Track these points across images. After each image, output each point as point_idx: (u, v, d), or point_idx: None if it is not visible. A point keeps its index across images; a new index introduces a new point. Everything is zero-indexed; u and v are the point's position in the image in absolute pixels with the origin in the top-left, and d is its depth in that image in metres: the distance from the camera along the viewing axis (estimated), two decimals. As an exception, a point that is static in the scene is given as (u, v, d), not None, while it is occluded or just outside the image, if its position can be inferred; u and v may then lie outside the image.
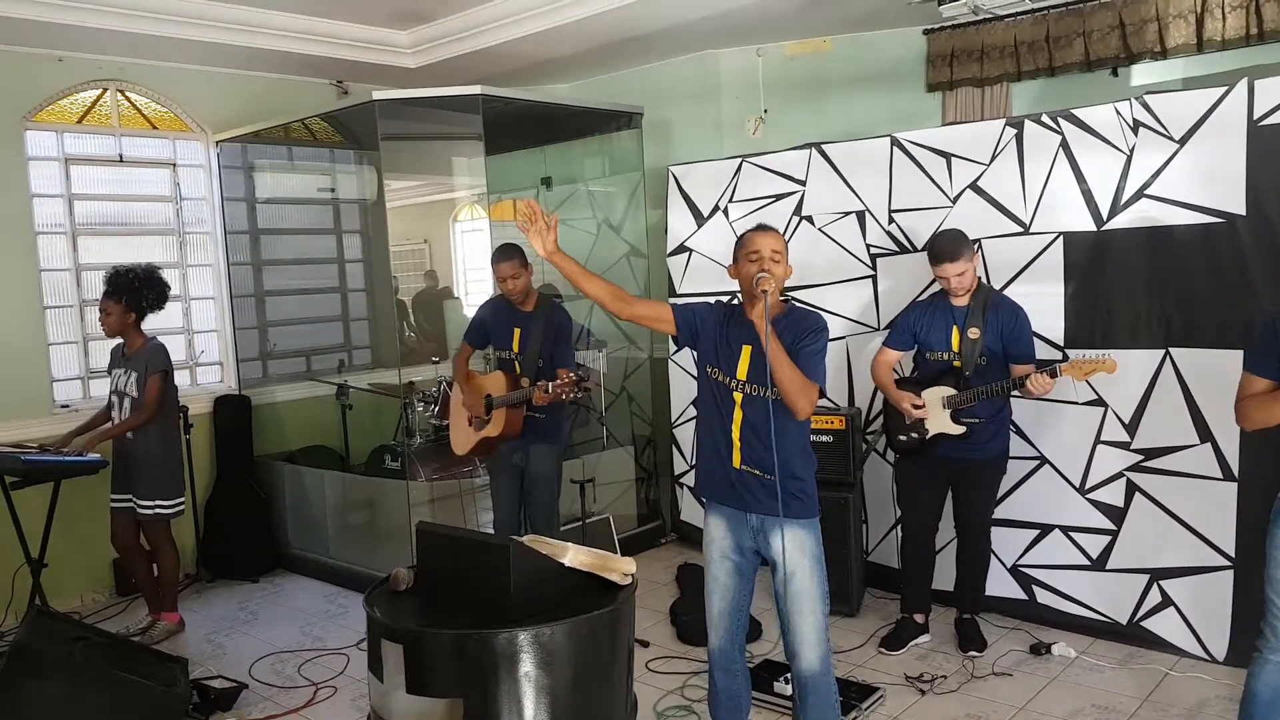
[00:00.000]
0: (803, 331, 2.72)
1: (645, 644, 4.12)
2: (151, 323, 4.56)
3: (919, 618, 4.05)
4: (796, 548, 2.74)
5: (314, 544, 5.48)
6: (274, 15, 5.11)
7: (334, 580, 5.23)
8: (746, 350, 2.74)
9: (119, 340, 4.49)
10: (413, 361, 6.41)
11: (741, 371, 2.74)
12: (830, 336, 4.59)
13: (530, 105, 5.34)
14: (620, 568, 2.36)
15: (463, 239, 7.91)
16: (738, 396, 2.74)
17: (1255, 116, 3.51)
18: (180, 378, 5.45)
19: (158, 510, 4.43)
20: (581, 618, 2.13)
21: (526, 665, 2.06)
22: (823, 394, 2.70)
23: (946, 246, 3.71)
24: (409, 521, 4.75)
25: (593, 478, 5.13)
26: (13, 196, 4.93)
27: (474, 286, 7.43)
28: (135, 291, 4.36)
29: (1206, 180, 3.64)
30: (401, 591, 2.40)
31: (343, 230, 6.51)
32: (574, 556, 2.31)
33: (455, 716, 2.06)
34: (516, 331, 4.15)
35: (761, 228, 2.85)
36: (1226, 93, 3.58)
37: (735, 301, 2.91)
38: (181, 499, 4.56)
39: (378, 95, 4.74)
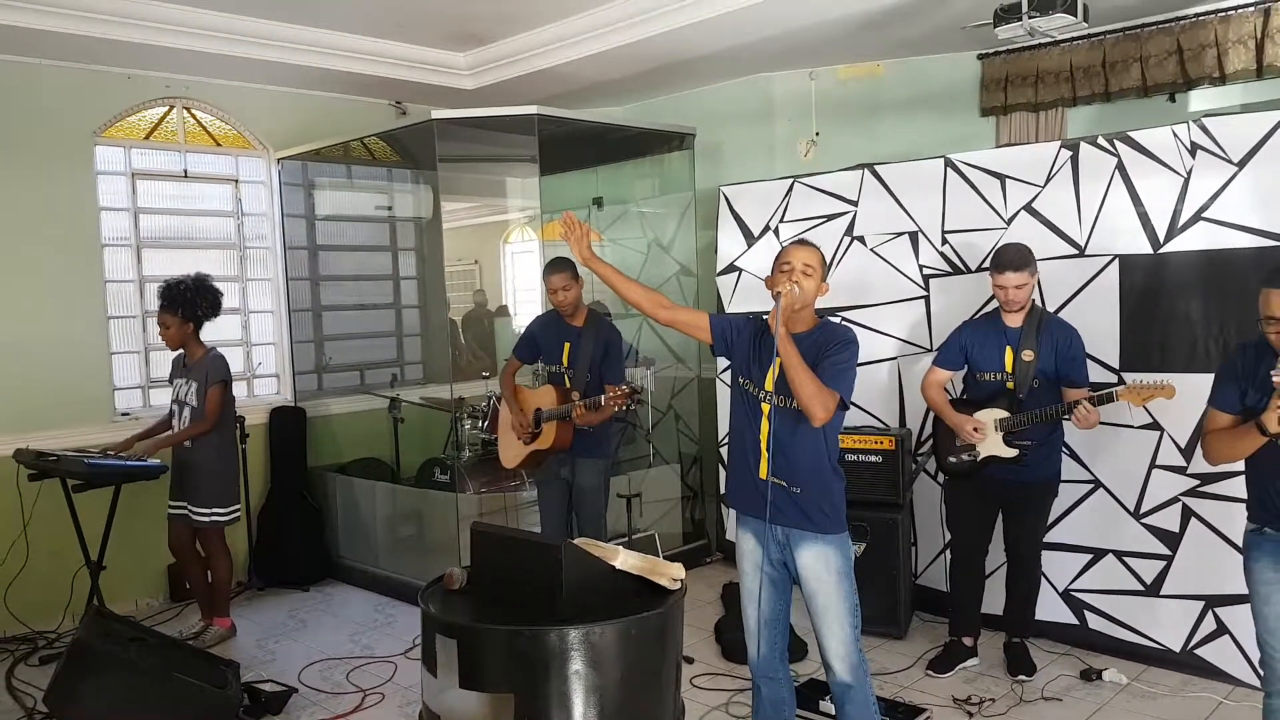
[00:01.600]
0: (830, 342, 2.75)
1: (690, 660, 4.11)
2: (210, 335, 4.69)
3: (968, 641, 4.00)
4: (822, 563, 2.76)
5: (364, 554, 5.56)
6: (337, 36, 5.26)
7: (383, 590, 5.29)
8: (777, 362, 2.76)
9: (180, 351, 4.62)
10: (463, 377, 6.50)
11: (769, 382, 2.77)
12: (881, 356, 4.71)
13: (584, 126, 5.43)
14: (670, 573, 2.38)
15: (513, 260, 8.03)
16: (765, 408, 2.77)
17: (1316, 139, 3.48)
18: (238, 389, 5.56)
19: (214, 518, 4.54)
20: (632, 618, 2.15)
21: (577, 663, 2.09)
22: (846, 405, 2.71)
23: (1012, 255, 3.70)
24: (457, 533, 4.81)
25: (639, 493, 5.15)
26: (82, 209, 5.11)
27: (523, 308, 7.53)
28: (189, 302, 4.48)
29: (1265, 203, 3.60)
30: (455, 591, 2.44)
31: (398, 248, 6.64)
32: (624, 560, 2.34)
33: (506, 711, 2.09)
34: (566, 346, 4.21)
35: (799, 241, 2.90)
36: (1287, 115, 3.55)
37: None
38: (237, 507, 4.67)
39: (436, 115, 4.85)
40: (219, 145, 5.74)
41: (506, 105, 5.17)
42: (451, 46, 5.64)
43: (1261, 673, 2.71)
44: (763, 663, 2.92)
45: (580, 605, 2.19)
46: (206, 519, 4.52)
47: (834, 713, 2.92)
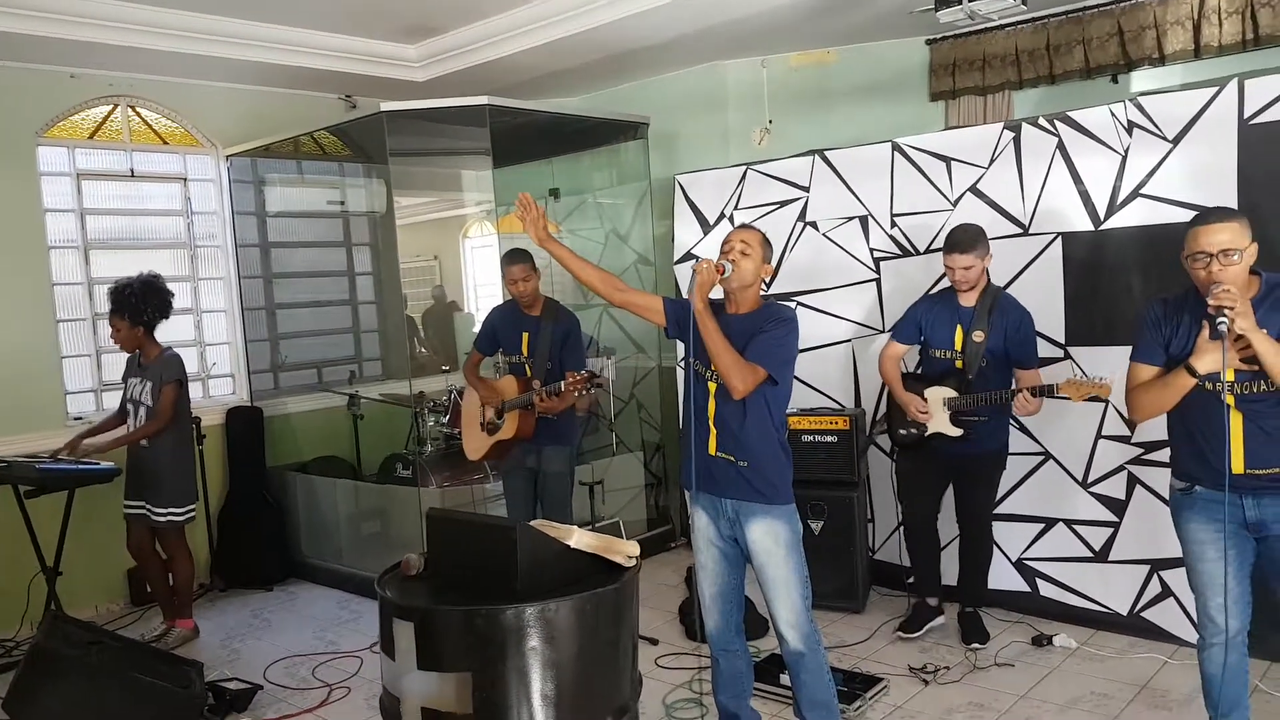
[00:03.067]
0: (768, 319, 2.82)
1: (654, 641, 4.17)
2: (163, 336, 4.64)
3: (932, 600, 4.11)
4: (771, 536, 2.82)
5: (327, 552, 5.54)
6: (284, 30, 5.22)
7: (347, 587, 5.28)
8: None
9: (136, 350, 4.58)
10: (423, 372, 6.49)
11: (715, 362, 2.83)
12: (836, 339, 4.78)
13: (537, 117, 5.44)
14: (624, 550, 2.42)
15: (473, 255, 8.02)
16: (712, 386, 2.84)
17: (1245, 115, 3.58)
18: (193, 390, 5.51)
19: (171, 517, 4.51)
20: (587, 594, 2.19)
21: (533, 640, 2.12)
22: (775, 381, 2.78)
23: (960, 237, 3.78)
24: (421, 528, 4.79)
25: (601, 480, 5.19)
26: (26, 212, 5.02)
27: (485, 302, 7.52)
28: (136, 306, 4.44)
29: (1200, 178, 3.70)
30: (412, 577, 2.46)
31: (353, 243, 6.60)
32: (579, 539, 2.38)
33: (464, 690, 2.12)
34: (525, 336, 4.22)
35: (740, 225, 2.98)
36: (1218, 93, 3.65)
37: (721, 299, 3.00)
38: (194, 505, 4.64)
39: (386, 106, 4.84)
40: (166, 144, 5.67)
41: (458, 97, 5.16)
42: (402, 39, 5.62)
43: (1199, 632, 2.79)
44: (719, 636, 2.99)
45: (536, 584, 2.22)
46: (164, 518, 4.49)
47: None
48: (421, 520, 4.77)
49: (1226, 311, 2.40)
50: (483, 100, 4.86)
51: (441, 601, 2.26)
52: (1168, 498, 3.72)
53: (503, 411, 4.23)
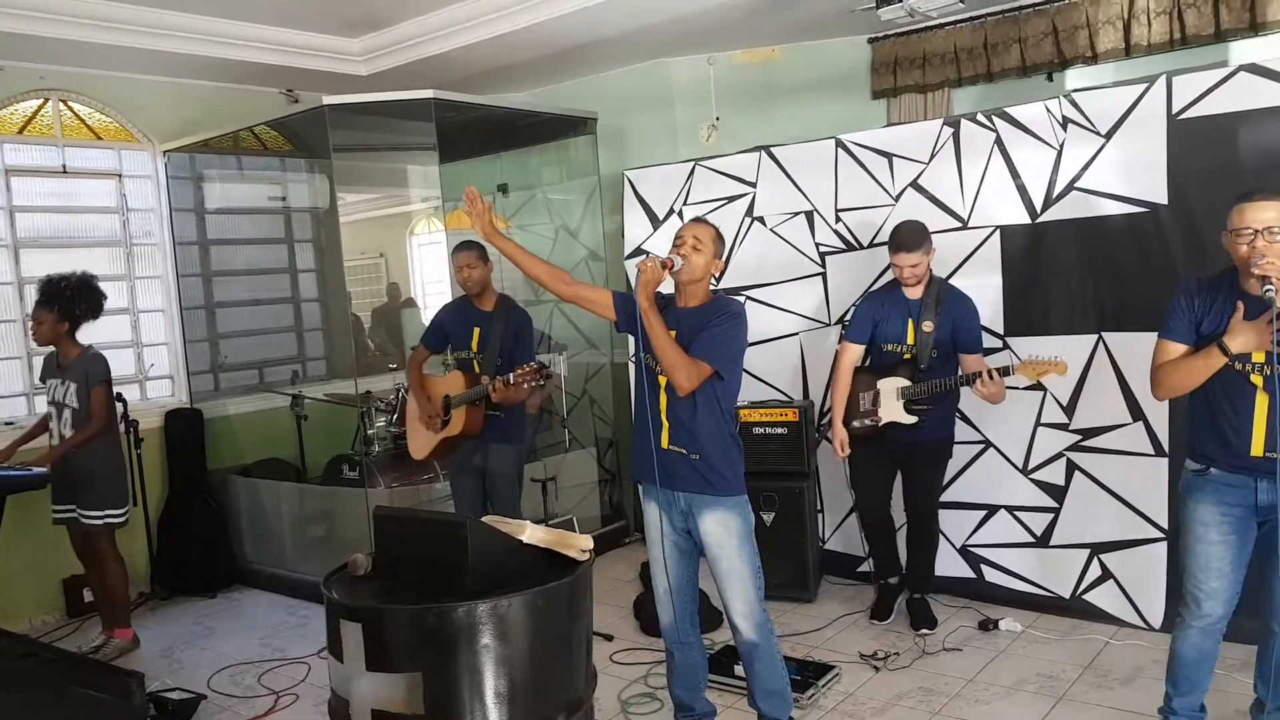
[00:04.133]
0: (716, 313, 2.83)
1: (610, 638, 4.17)
2: (99, 336, 4.53)
3: (893, 580, 4.18)
4: (723, 528, 2.84)
5: (272, 557, 5.43)
6: (222, 23, 5.10)
7: (294, 593, 5.18)
8: (672, 335, 2.83)
9: (51, 349, 4.45)
10: (370, 371, 6.40)
11: None
12: (784, 333, 4.82)
13: (484, 111, 5.39)
14: (578, 544, 2.41)
15: (420, 252, 7.92)
16: (663, 380, 2.85)
17: (1174, 111, 3.69)
18: (130, 392, 5.41)
19: (107, 519, 4.39)
20: (539, 589, 2.17)
21: (485, 637, 2.10)
22: (722, 376, 2.79)
23: (906, 237, 3.83)
24: (369, 531, 4.73)
25: (554, 477, 5.17)
26: (-48, 210, 4.87)
27: (433, 300, 7.44)
28: (68, 301, 4.31)
29: (1131, 172, 3.80)
30: (360, 577, 2.42)
31: (295, 240, 6.49)
32: (532, 534, 2.37)
33: (415, 690, 2.09)
34: (476, 331, 4.18)
35: (693, 220, 2.99)
36: (1147, 89, 3.75)
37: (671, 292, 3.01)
38: (128, 508, 4.52)
39: (328, 100, 4.76)
40: (100, 139, 5.51)
41: (403, 91, 5.10)
42: (344, 32, 5.53)
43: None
44: (673, 629, 3.01)
45: (488, 581, 2.20)
46: (99, 520, 4.37)
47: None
48: (369, 522, 4.73)
49: (1275, 280, 2.41)
50: (428, 94, 4.81)
51: (390, 601, 2.22)
52: (1106, 483, 3.93)
53: (450, 407, 4.18)
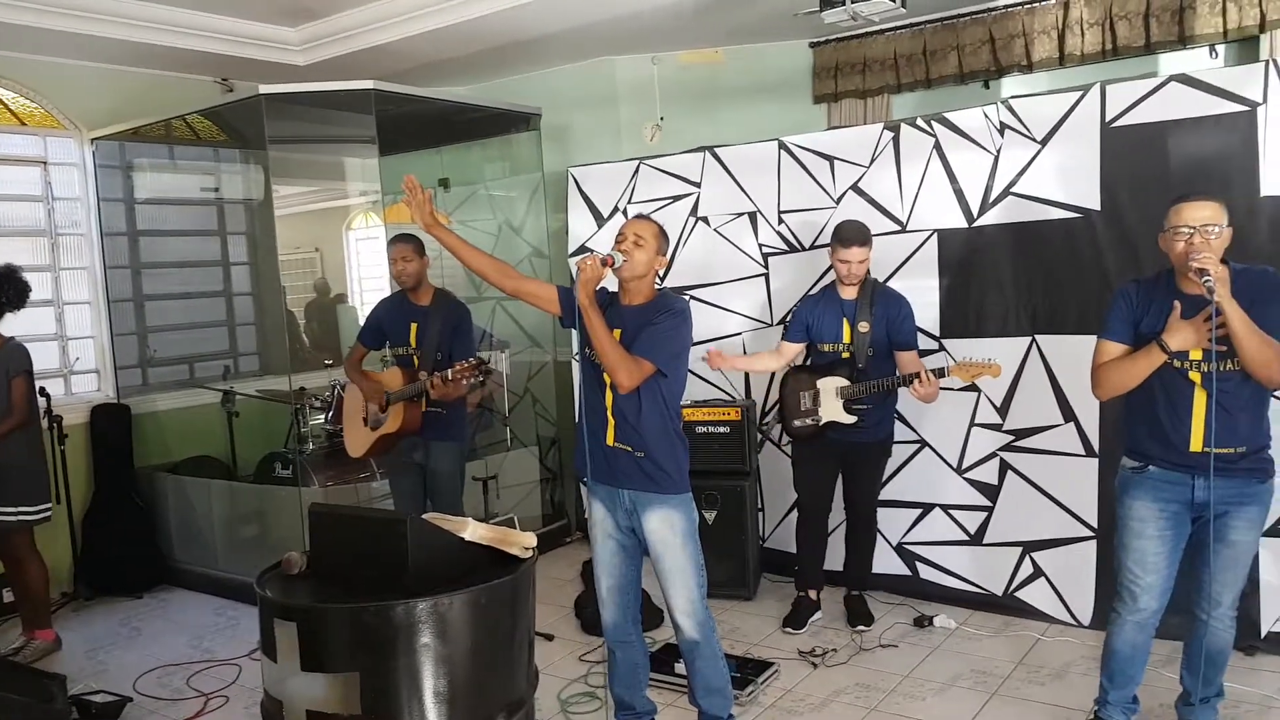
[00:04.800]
0: (660, 310, 2.83)
1: (550, 637, 4.14)
2: (23, 329, 4.36)
3: (813, 594, 4.21)
4: (667, 526, 2.84)
5: (201, 557, 5.29)
6: (154, 8, 4.95)
7: (224, 593, 5.05)
8: (617, 334, 2.83)
9: None
10: (304, 367, 6.27)
11: None
12: (727, 333, 4.85)
13: (425, 105, 5.32)
14: (520, 541, 2.39)
15: (357, 247, 7.78)
16: (608, 378, 2.83)
17: (1108, 119, 3.79)
18: (54, 386, 5.22)
19: (23, 517, 4.23)
20: (481, 587, 2.15)
21: (425, 636, 2.07)
22: (665, 373, 2.79)
23: (850, 233, 3.88)
24: (303, 530, 4.64)
25: (495, 475, 5.12)
26: None
27: (370, 297, 7.31)
28: None
29: (1065, 178, 3.90)
30: (295, 575, 2.37)
31: (228, 232, 6.33)
32: (474, 531, 2.34)
33: (352, 691, 2.05)
34: (413, 326, 4.12)
35: (635, 216, 2.99)
36: (1081, 97, 3.85)
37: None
38: (48, 505, 4.35)
39: (264, 90, 4.65)
40: (24, 124, 5.31)
41: (342, 82, 5.01)
42: (282, 20, 5.41)
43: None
44: (616, 628, 2.99)
45: (428, 579, 2.17)
46: (14, 518, 4.20)
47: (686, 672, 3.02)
48: (303, 522, 4.63)
49: (1210, 271, 2.47)
50: (368, 85, 4.72)
51: (326, 600, 2.18)
52: (1038, 483, 4.03)
53: (388, 404, 4.11)
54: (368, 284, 7.44)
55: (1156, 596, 2.77)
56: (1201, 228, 2.58)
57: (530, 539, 2.42)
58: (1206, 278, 2.47)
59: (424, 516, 2.37)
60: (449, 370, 3.82)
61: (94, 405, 5.43)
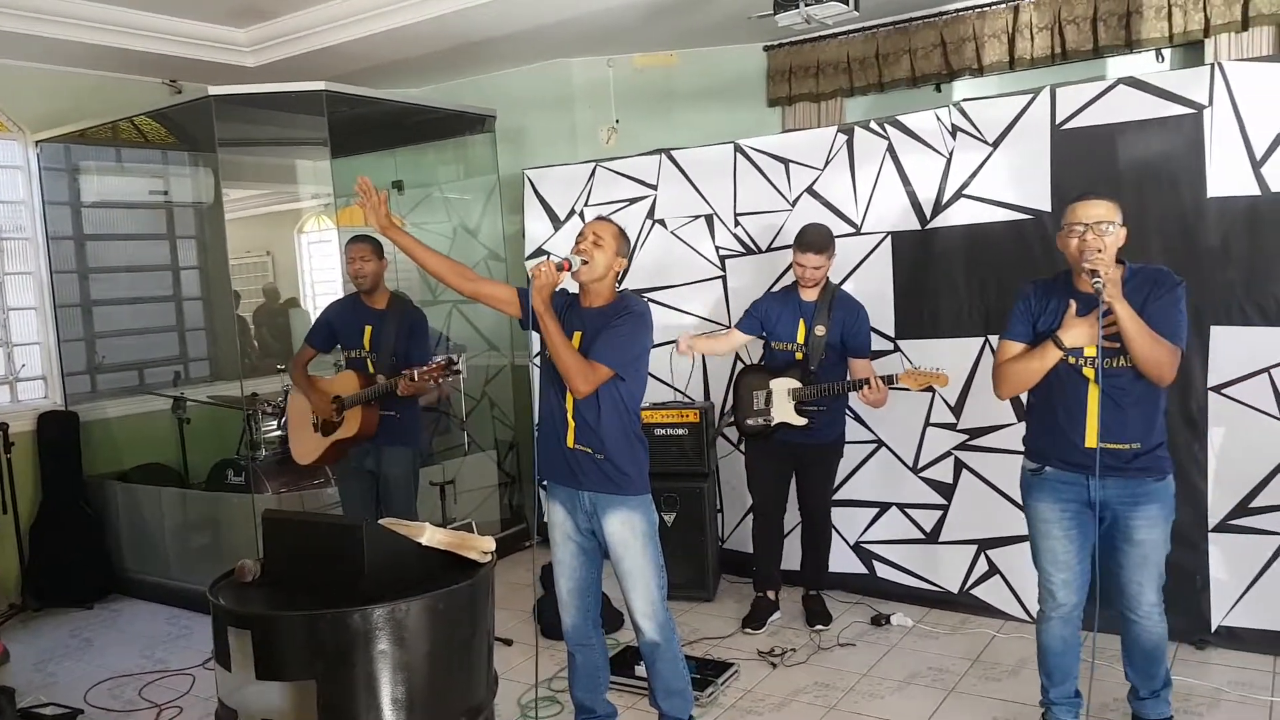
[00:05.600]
0: (619, 313, 2.83)
1: (509, 642, 4.12)
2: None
3: (771, 594, 4.23)
4: (628, 528, 2.84)
5: (153, 566, 5.18)
6: (100, 8, 4.84)
7: (176, 603, 4.96)
8: (577, 337, 2.82)
9: None
10: (256, 373, 6.17)
11: None
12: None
13: (378, 106, 5.27)
14: (479, 546, 2.37)
15: (309, 250, 7.67)
16: None
17: (1058, 121, 3.86)
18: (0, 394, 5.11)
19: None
20: (438, 592, 2.13)
21: (382, 643, 2.05)
22: (622, 377, 2.79)
23: (813, 238, 3.90)
24: (256, 538, 4.57)
25: (452, 480, 5.08)
26: None
27: (323, 301, 7.22)
28: None
29: (1017, 180, 3.97)
30: (249, 583, 2.33)
31: (177, 236, 6.22)
32: (431, 536, 2.32)
33: (308, 699, 2.02)
34: (368, 329, 4.07)
35: (596, 218, 2.99)
36: (1032, 99, 3.92)
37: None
38: None
39: (214, 90, 4.57)
40: (-37, 126, 5.18)
41: (293, 83, 4.94)
42: (230, 21, 5.33)
43: (1037, 606, 2.96)
44: (576, 631, 2.99)
45: (385, 585, 2.14)
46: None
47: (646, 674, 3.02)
48: (256, 529, 4.56)
49: (1101, 272, 2.53)
50: (319, 86, 4.66)
51: (281, 607, 2.15)
52: (993, 481, 4.09)
53: (343, 408, 4.05)
54: (320, 288, 7.34)
55: (1075, 591, 2.85)
56: (1095, 225, 2.64)
57: (489, 543, 2.40)
58: (1096, 279, 2.53)
59: (380, 522, 2.34)
60: (415, 370, 3.77)
61: (41, 412, 5.31)
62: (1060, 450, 2.79)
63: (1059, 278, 2.83)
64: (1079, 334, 2.65)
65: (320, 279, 7.34)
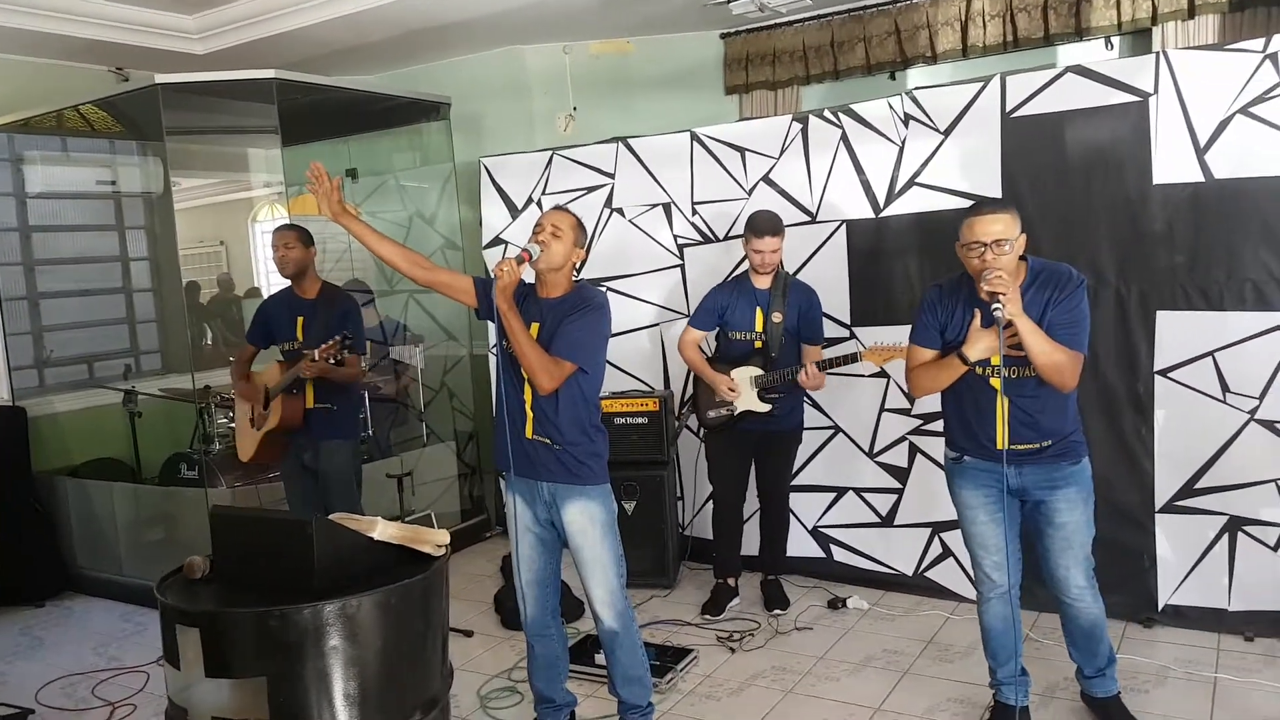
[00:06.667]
0: (578, 304, 2.83)
1: (469, 633, 4.11)
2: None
3: (731, 581, 4.26)
4: (586, 517, 2.85)
5: (106, 562, 5.11)
6: (43, -6, 4.74)
7: (130, 599, 4.88)
8: (534, 328, 2.81)
9: None
10: (209, 365, 6.08)
11: None
12: (643, 324, 4.86)
13: (331, 94, 5.19)
14: (432, 539, 2.36)
15: (263, 239, 7.56)
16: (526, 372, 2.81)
17: (1008, 109, 3.90)
18: (-59, 389, 4.98)
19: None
20: (390, 587, 2.13)
21: (334, 639, 2.04)
22: (586, 370, 2.79)
23: (763, 223, 3.92)
24: (211, 532, 4.52)
25: (410, 472, 5.04)
26: None
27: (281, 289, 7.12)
28: None
29: (968, 167, 4.01)
30: (198, 580, 2.30)
31: (126, 227, 6.10)
32: (383, 530, 2.30)
33: (259, 696, 2.01)
34: (300, 320, 4.00)
35: (553, 208, 2.98)
36: (983, 88, 3.96)
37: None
38: None
39: (161, 79, 4.48)
40: (-98, 115, 5.03)
41: (243, 71, 4.86)
42: (178, 8, 5.22)
43: (977, 588, 3.03)
44: (535, 622, 2.98)
45: (336, 580, 2.13)
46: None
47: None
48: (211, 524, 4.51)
49: (1000, 298, 2.57)
50: (269, 74, 4.59)
51: (231, 604, 2.13)
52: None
53: (268, 400, 3.99)
54: (275, 277, 7.24)
55: (1008, 572, 2.92)
56: (994, 243, 2.65)
57: (443, 536, 2.39)
58: (995, 305, 2.57)
59: (331, 517, 2.32)
60: (314, 351, 3.72)
61: (-14, 408, 5.19)
62: (975, 447, 2.87)
63: (963, 281, 2.86)
64: (983, 348, 2.69)
65: (274, 267, 7.23)
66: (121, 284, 6.05)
